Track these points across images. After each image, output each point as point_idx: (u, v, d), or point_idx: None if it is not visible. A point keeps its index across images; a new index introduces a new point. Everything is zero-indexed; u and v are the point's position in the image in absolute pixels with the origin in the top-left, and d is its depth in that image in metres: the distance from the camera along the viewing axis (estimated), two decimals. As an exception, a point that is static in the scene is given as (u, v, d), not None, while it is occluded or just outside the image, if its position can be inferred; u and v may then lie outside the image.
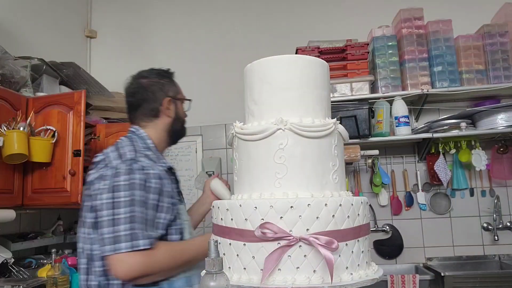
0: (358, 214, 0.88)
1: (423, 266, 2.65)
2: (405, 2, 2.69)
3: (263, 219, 0.83)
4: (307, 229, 0.82)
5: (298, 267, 0.81)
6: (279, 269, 0.82)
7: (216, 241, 0.79)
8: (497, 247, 2.68)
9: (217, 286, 0.75)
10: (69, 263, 2.17)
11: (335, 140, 0.95)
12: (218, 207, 0.95)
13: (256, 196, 0.90)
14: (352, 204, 0.87)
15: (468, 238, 2.73)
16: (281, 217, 0.82)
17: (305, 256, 0.81)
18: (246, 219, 0.86)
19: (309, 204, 0.82)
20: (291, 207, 0.82)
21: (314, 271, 0.81)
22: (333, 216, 0.83)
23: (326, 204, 0.83)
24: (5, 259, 1.97)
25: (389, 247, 2.77)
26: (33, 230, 2.36)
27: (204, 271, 0.78)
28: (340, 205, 0.84)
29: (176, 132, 1.52)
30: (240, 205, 0.87)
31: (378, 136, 2.54)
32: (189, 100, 1.59)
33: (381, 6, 2.99)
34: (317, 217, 0.82)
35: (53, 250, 2.05)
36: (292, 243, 0.81)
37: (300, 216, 0.82)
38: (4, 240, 2.08)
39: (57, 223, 2.53)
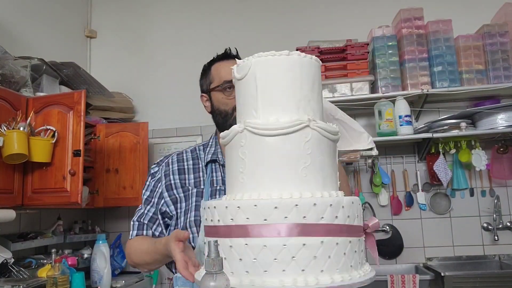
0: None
1: (423, 266, 2.65)
2: (405, 2, 2.69)
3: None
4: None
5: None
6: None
7: (216, 241, 0.79)
8: (497, 247, 2.68)
9: (217, 286, 0.75)
10: (69, 263, 2.17)
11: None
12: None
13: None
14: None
15: (468, 238, 2.73)
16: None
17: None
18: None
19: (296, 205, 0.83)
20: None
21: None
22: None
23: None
24: (5, 259, 1.97)
25: (389, 247, 2.77)
26: (33, 230, 2.36)
27: (204, 271, 0.78)
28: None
29: (219, 126, 1.39)
30: (256, 205, 0.87)
31: (385, 135, 2.53)
32: (227, 83, 1.32)
33: (381, 6, 2.99)
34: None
35: (53, 250, 2.05)
36: None
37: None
38: (4, 240, 2.08)
39: (57, 223, 2.53)
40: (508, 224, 2.67)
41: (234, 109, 1.31)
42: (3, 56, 2.05)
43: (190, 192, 1.33)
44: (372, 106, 2.57)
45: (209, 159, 1.38)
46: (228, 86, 1.33)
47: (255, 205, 0.85)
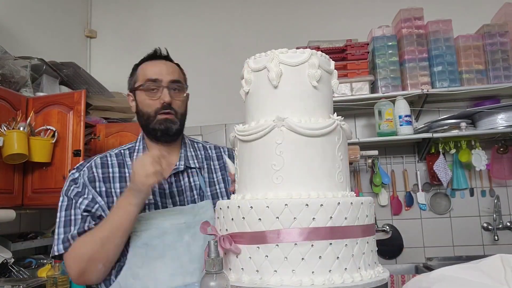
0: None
1: (423, 266, 2.64)
2: (405, 2, 2.69)
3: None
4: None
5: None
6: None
7: (216, 241, 0.79)
8: (497, 247, 2.68)
9: (217, 286, 0.75)
10: (69, 263, 2.16)
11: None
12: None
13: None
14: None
15: (468, 238, 2.73)
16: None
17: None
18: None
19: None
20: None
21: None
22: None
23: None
24: (5, 259, 1.97)
25: (389, 247, 2.77)
26: (33, 230, 2.36)
27: (204, 272, 0.78)
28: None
29: (143, 128, 1.32)
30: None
31: (385, 135, 2.53)
32: (150, 81, 1.27)
33: (381, 6, 2.99)
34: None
35: (53, 250, 2.04)
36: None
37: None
38: (4, 240, 2.08)
39: (57, 223, 2.53)
40: (508, 224, 2.67)
41: (156, 111, 1.26)
42: (3, 56, 2.05)
43: (114, 204, 1.21)
44: (372, 106, 2.57)
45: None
46: (152, 86, 1.28)
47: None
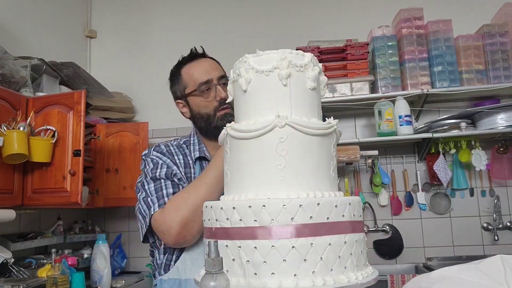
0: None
1: (423, 266, 2.65)
2: (405, 2, 2.69)
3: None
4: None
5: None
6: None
7: (216, 241, 0.79)
8: (497, 247, 2.68)
9: (217, 286, 0.75)
10: (69, 263, 2.17)
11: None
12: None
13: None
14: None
15: (468, 238, 2.73)
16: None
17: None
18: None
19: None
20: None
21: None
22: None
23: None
24: (5, 259, 1.97)
25: (389, 247, 2.77)
26: (33, 230, 2.36)
27: (203, 272, 0.78)
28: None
29: (202, 130, 1.35)
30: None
31: (385, 135, 2.53)
32: (203, 85, 1.30)
33: (381, 6, 2.99)
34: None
35: (53, 250, 2.05)
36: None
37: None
38: (4, 240, 2.08)
39: (57, 223, 2.53)
40: (508, 224, 2.67)
41: (215, 109, 1.29)
42: (3, 56, 2.05)
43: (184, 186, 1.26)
44: (372, 106, 2.57)
45: (197, 155, 1.33)
46: (206, 88, 1.30)
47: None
